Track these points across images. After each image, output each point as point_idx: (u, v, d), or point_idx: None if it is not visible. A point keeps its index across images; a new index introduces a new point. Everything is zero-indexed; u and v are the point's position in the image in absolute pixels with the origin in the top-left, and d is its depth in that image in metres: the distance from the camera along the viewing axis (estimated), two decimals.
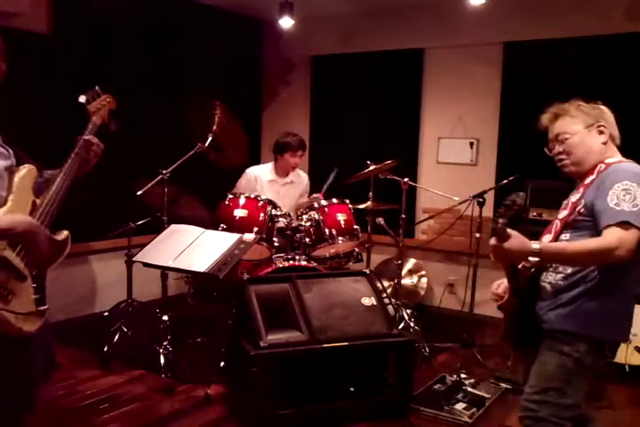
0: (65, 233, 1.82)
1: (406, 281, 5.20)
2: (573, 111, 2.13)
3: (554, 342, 2.04)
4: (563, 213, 2.11)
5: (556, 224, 2.11)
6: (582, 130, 2.09)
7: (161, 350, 3.62)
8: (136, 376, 3.62)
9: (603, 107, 2.17)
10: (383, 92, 5.40)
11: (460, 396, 3.35)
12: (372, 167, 4.12)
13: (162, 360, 3.58)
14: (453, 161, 5.16)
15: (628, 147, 2.20)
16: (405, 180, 4.17)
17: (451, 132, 5.17)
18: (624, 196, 1.89)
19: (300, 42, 5.66)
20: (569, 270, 2.03)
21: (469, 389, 3.44)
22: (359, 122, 5.48)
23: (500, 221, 1.80)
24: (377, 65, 5.42)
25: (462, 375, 3.59)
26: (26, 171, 1.74)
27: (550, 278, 2.08)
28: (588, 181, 2.05)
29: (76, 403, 3.26)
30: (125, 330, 3.82)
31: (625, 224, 1.85)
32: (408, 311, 4.25)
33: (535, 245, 1.87)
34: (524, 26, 4.68)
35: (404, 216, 4.24)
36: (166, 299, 3.86)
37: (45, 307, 1.67)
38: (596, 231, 1.92)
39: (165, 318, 3.72)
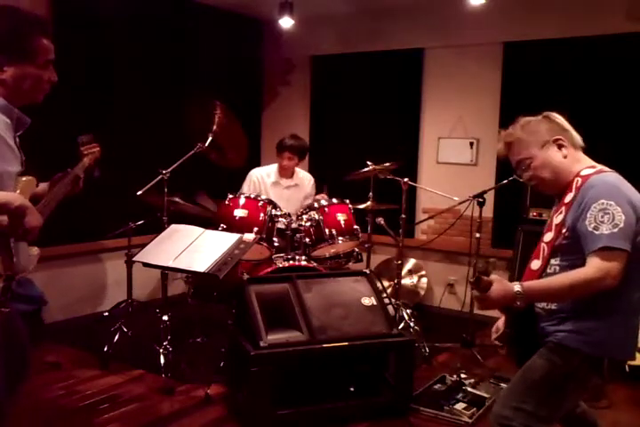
0: (35, 249, 1.88)
1: (406, 281, 5.20)
2: (521, 134, 2.06)
3: (547, 351, 1.97)
4: (548, 236, 2.03)
5: (544, 248, 2.03)
6: (540, 151, 2.03)
7: (161, 350, 3.61)
8: (136, 376, 3.62)
9: (551, 114, 2.09)
10: (383, 92, 5.40)
11: (460, 396, 3.35)
12: (370, 167, 4.12)
13: (162, 360, 3.58)
14: (453, 161, 5.16)
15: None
16: (405, 180, 4.16)
17: (451, 132, 5.17)
18: (602, 217, 1.82)
19: (300, 42, 5.65)
20: None
21: (469, 389, 3.44)
22: (359, 122, 5.48)
23: (474, 293, 1.89)
24: (377, 65, 5.41)
25: (462, 375, 3.59)
26: (28, 180, 1.86)
27: (543, 304, 2.02)
28: (568, 199, 1.96)
29: (76, 403, 3.26)
30: (125, 330, 3.82)
31: (605, 250, 1.79)
32: (408, 311, 4.24)
33: (517, 287, 1.83)
34: (524, 26, 4.67)
35: (403, 216, 4.23)
36: (166, 299, 3.86)
37: (6, 310, 1.69)
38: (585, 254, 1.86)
39: (165, 318, 3.72)
